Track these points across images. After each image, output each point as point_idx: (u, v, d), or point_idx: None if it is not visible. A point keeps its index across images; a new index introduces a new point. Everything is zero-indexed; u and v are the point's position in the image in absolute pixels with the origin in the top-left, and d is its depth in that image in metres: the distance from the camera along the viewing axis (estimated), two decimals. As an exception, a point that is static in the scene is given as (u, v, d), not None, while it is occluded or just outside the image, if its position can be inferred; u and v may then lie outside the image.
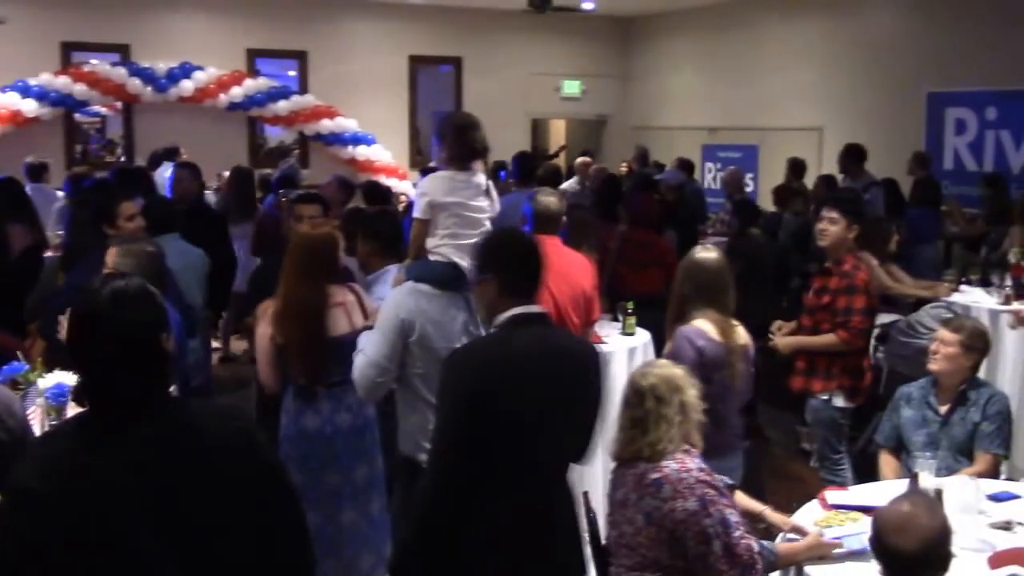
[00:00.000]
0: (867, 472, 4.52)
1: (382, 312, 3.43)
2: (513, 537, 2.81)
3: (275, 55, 12.95)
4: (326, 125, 12.59)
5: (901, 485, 3.56)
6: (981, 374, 5.80)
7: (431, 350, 3.35)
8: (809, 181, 9.93)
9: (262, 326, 3.88)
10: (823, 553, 3.09)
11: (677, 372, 3.09)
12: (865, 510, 3.31)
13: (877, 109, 11.01)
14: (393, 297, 3.45)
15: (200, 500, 1.94)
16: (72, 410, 3.15)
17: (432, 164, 4.60)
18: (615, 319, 5.48)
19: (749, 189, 11.44)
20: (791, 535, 3.22)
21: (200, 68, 11.87)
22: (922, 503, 2.57)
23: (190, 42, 12.15)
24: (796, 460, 6.35)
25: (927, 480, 3.40)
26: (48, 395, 3.28)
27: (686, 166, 10.92)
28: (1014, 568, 2.95)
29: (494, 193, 3.79)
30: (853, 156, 9.02)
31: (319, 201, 5.26)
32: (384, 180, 12.13)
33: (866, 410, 5.34)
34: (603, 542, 3.30)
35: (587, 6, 13.03)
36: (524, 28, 13.76)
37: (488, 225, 3.58)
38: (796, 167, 10.02)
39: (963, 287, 6.83)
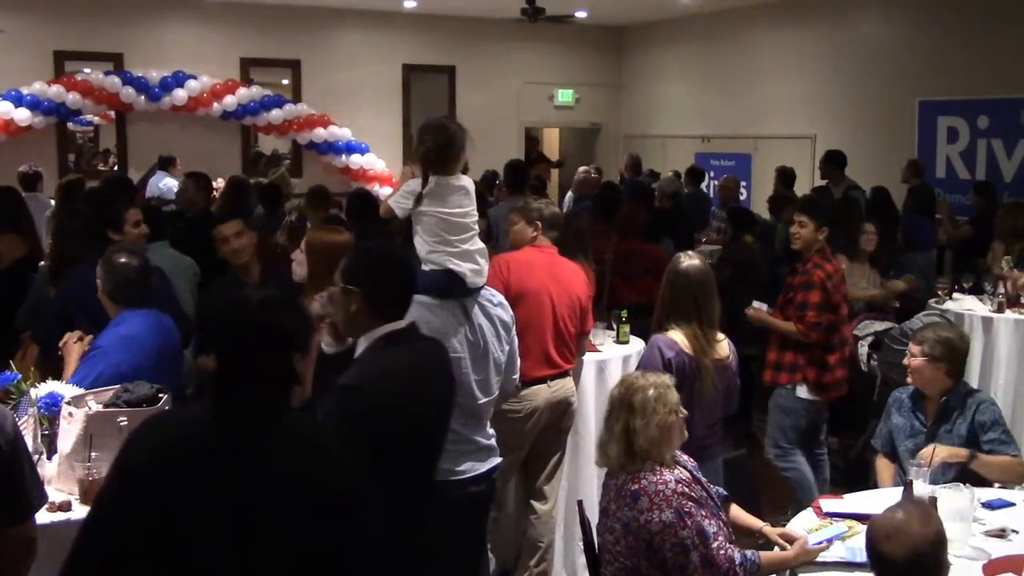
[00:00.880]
0: (863, 479, 4.52)
1: None
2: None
3: (268, 64, 12.96)
4: (319, 134, 12.60)
5: (895, 493, 3.56)
6: (975, 379, 5.86)
7: None
8: (802, 189, 9.96)
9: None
10: (808, 559, 3.11)
11: (645, 383, 3.12)
12: (860, 518, 3.32)
13: (869, 117, 11.05)
14: None
15: (286, 516, 2.00)
16: (66, 422, 3.14)
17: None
18: (609, 327, 5.49)
19: (742, 197, 11.48)
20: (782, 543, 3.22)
21: (193, 77, 11.87)
22: (916, 512, 2.57)
23: (183, 51, 12.14)
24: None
25: (921, 488, 3.41)
26: (41, 405, 3.27)
27: (695, 174, 11.02)
28: (1009, 576, 2.95)
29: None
30: (834, 162, 9.39)
31: (238, 216, 5.17)
32: (377, 189, 12.17)
33: (851, 414, 5.40)
34: (596, 550, 3.31)
35: (580, 15, 13.07)
36: (517, 37, 13.79)
37: (475, 228, 3.47)
38: (785, 176, 10.06)
39: (956, 294, 6.85)
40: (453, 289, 3.37)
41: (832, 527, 3.29)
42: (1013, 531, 3.32)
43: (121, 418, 3.11)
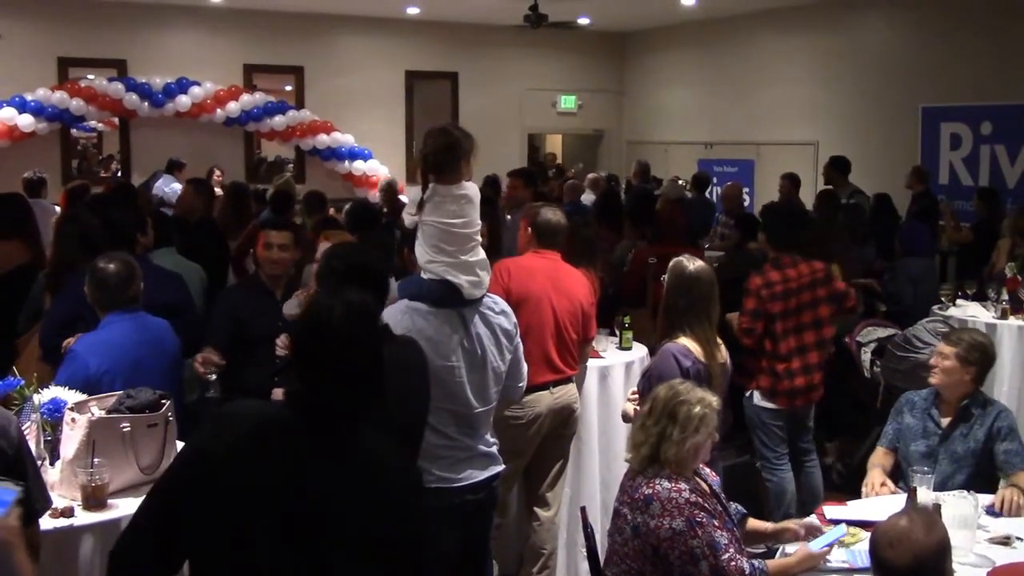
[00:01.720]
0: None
1: None
2: None
3: (271, 70, 12.99)
4: (323, 140, 12.61)
5: (899, 500, 3.55)
6: (979, 386, 5.84)
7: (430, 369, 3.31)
8: (805, 195, 9.96)
9: None
10: (814, 564, 3.10)
11: (692, 398, 3.08)
12: (863, 524, 3.31)
13: (872, 124, 11.05)
14: (389, 316, 3.34)
15: (342, 527, 2.04)
16: (69, 428, 3.14)
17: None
18: (612, 333, 5.48)
19: (745, 204, 11.46)
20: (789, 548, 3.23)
21: (197, 83, 11.89)
22: (920, 519, 2.56)
23: (187, 57, 12.17)
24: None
25: (925, 495, 3.40)
26: (44, 411, 3.27)
27: (700, 181, 11.02)
28: (1013, 583, 2.94)
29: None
30: (838, 167, 9.39)
31: (241, 223, 5.20)
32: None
33: (853, 421, 5.38)
34: (600, 557, 3.30)
35: (583, 21, 13.08)
36: (520, 43, 13.81)
37: (477, 238, 3.43)
38: (795, 183, 10.05)
39: (960, 301, 6.83)
40: (447, 299, 3.35)
41: (833, 531, 3.28)
42: (1018, 538, 3.32)
43: (124, 424, 3.12)
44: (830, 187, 9.38)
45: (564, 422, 4.43)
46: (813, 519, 3.41)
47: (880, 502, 3.70)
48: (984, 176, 9.97)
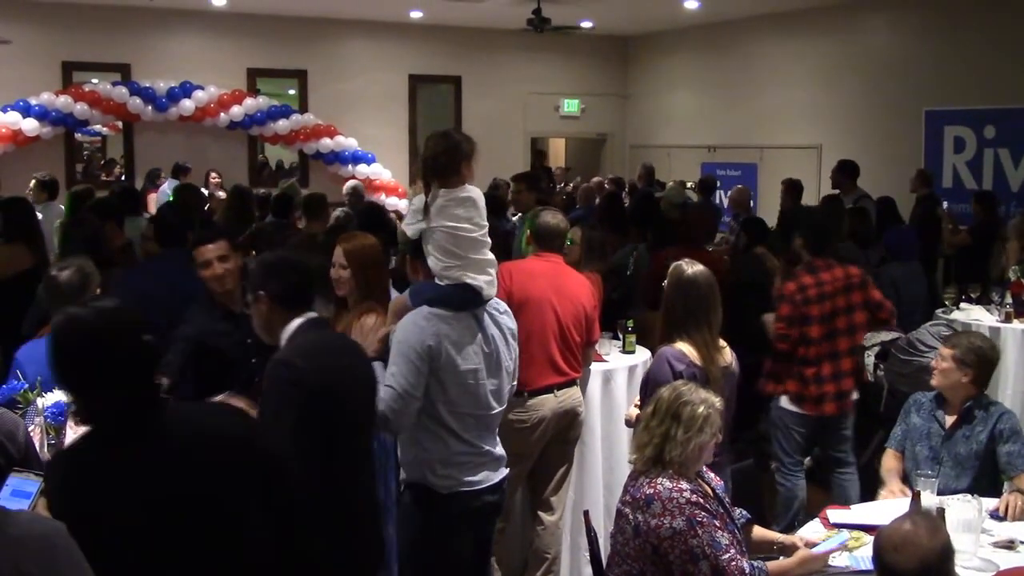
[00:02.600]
0: (870, 489, 4.51)
1: (402, 341, 3.28)
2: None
3: (275, 74, 13.01)
4: (326, 144, 12.63)
5: (903, 503, 3.55)
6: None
7: (455, 373, 3.30)
8: (809, 199, 9.95)
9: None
10: (814, 567, 3.10)
11: (696, 398, 3.09)
12: (867, 528, 3.31)
13: (876, 127, 11.04)
14: (413, 324, 3.29)
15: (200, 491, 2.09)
16: (72, 431, 3.14)
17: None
18: (615, 337, 5.48)
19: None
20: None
21: (200, 87, 11.91)
22: (924, 523, 2.56)
23: (190, 61, 12.19)
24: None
25: (929, 499, 3.40)
26: (47, 414, 3.27)
27: (706, 185, 11.01)
28: (1017, 587, 2.93)
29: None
30: (846, 171, 9.34)
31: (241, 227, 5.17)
32: (384, 199, 12.20)
33: (857, 425, 5.36)
34: (603, 561, 3.30)
35: (586, 25, 13.09)
36: (523, 47, 13.81)
37: (487, 239, 3.42)
38: (793, 189, 10.02)
39: (964, 304, 6.83)
40: (468, 301, 3.35)
41: (837, 536, 3.28)
42: (1022, 543, 3.31)
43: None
44: (835, 191, 9.37)
45: (568, 426, 4.43)
46: (804, 535, 3.38)
47: (883, 506, 3.70)
48: (988, 180, 9.96)
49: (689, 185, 11.59)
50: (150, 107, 11.64)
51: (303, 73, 13.08)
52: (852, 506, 3.87)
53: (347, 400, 2.98)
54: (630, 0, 11.60)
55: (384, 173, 12.93)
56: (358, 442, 3.10)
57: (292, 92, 13.08)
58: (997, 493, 3.76)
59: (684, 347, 3.84)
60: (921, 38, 10.71)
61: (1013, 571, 3.06)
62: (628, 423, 4.17)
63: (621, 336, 5.43)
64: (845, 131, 11.39)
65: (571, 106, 14.95)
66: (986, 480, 3.89)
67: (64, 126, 11.44)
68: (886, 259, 7.26)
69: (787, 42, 12.40)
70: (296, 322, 3.04)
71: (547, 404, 4.29)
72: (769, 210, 10.55)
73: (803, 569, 3.10)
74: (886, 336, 5.99)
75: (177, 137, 12.10)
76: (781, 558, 3.24)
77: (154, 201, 10.21)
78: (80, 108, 11.26)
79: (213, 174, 11.48)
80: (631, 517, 3.01)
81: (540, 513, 4.50)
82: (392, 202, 12.31)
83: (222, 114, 12.02)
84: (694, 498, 2.96)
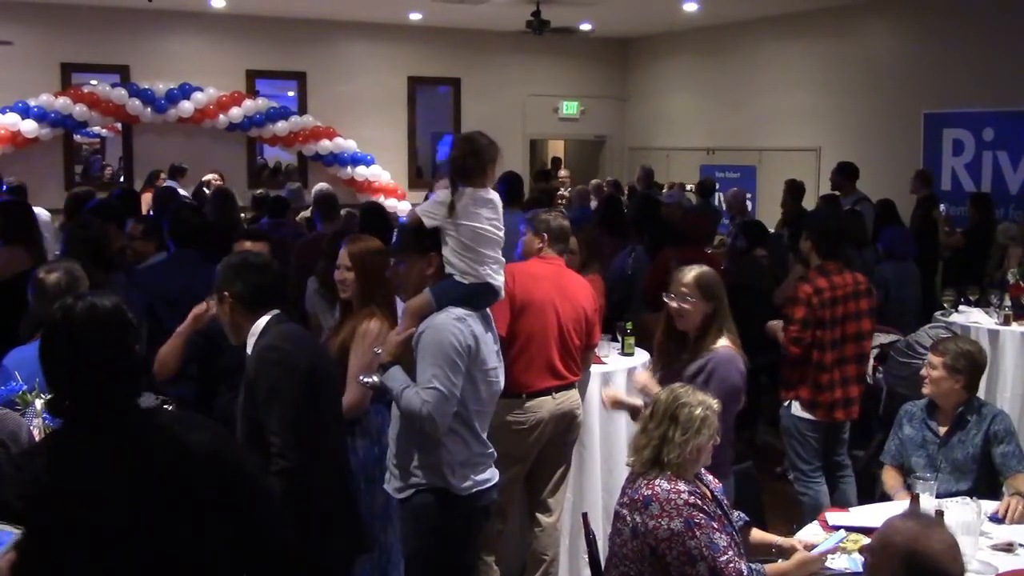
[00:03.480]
0: (868, 492, 4.50)
1: (442, 342, 3.24)
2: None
3: (274, 76, 13.01)
4: (325, 146, 12.62)
5: (902, 506, 3.54)
6: (981, 392, 5.82)
7: (484, 372, 3.36)
8: (808, 201, 9.94)
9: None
10: (811, 570, 3.10)
11: (693, 400, 3.08)
12: (865, 531, 3.31)
13: (874, 129, 11.04)
14: (451, 325, 3.26)
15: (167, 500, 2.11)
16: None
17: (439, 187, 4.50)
18: (614, 339, 5.48)
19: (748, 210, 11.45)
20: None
21: (199, 89, 11.90)
22: (923, 523, 2.55)
23: (190, 63, 12.19)
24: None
25: (927, 502, 3.39)
26: (46, 416, 3.27)
27: (705, 187, 11.03)
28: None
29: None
30: (846, 173, 9.34)
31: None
32: (383, 200, 12.18)
33: (856, 427, 5.35)
34: (602, 563, 3.30)
35: (585, 27, 13.10)
36: (522, 49, 13.82)
37: (502, 241, 3.45)
38: (795, 190, 10.03)
39: (963, 307, 6.83)
40: (486, 299, 3.40)
41: (833, 536, 3.28)
42: (1021, 545, 3.31)
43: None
44: (833, 192, 9.37)
45: (566, 428, 4.43)
46: (802, 538, 3.38)
47: (882, 509, 3.69)
48: (986, 182, 9.96)
49: (688, 187, 11.59)
50: (149, 109, 11.64)
51: (302, 75, 13.08)
52: (850, 508, 3.87)
53: (331, 379, 3.27)
54: (629, 2, 11.59)
55: (383, 175, 12.93)
56: (341, 418, 3.42)
57: (291, 94, 13.08)
58: (996, 496, 3.75)
59: (732, 347, 3.80)
60: (920, 40, 10.71)
61: (1012, 573, 3.06)
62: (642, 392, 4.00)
63: (620, 338, 5.43)
64: (844, 133, 11.39)
65: (570, 108, 14.95)
66: (985, 485, 3.89)
67: (63, 128, 11.43)
68: (880, 259, 7.27)
69: (786, 45, 12.40)
70: (264, 319, 3.18)
71: (545, 406, 4.29)
72: (768, 212, 10.57)
73: (801, 571, 3.10)
74: (885, 339, 5.99)
75: (176, 139, 12.09)
76: (780, 561, 3.24)
77: (147, 201, 10.19)
78: (79, 109, 11.26)
79: (215, 176, 11.46)
80: (629, 519, 3.01)
81: (538, 515, 4.50)
82: (391, 204, 12.30)
83: (221, 116, 12.01)
84: (692, 499, 2.96)
